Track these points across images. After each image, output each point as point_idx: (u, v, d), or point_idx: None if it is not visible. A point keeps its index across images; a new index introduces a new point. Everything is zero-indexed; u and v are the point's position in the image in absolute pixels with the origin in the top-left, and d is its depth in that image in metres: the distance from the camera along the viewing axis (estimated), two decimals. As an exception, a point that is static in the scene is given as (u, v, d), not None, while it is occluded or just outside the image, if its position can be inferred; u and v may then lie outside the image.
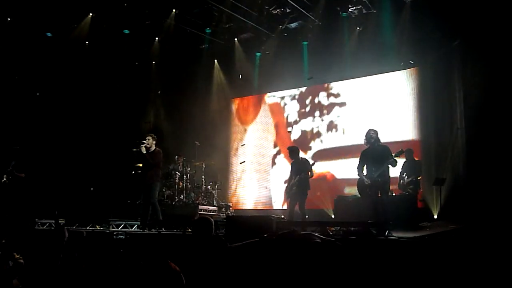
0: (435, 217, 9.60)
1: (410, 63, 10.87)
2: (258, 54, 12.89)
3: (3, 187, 9.69)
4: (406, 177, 9.35)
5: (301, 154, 9.21)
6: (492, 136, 8.88)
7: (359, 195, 7.72)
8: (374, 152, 7.29)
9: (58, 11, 10.82)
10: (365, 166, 7.37)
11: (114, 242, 7.08)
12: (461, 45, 9.83)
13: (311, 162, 8.95)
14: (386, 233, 6.01)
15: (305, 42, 12.06)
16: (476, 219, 7.97)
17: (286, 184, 9.17)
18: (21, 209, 9.39)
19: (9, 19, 11.03)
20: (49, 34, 11.69)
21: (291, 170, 9.00)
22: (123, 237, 7.49)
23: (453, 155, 9.95)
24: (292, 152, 9.01)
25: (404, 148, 7.40)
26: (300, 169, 8.74)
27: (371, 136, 7.39)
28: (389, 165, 7.12)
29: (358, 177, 7.40)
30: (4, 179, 9.68)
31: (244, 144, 10.89)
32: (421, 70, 10.83)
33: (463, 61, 9.89)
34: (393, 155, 7.11)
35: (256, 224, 6.44)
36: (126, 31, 12.10)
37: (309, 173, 8.73)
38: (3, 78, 11.27)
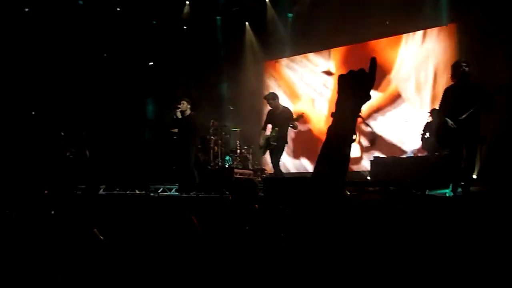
0: (475, 177, 9.41)
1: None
2: (289, 15, 12.65)
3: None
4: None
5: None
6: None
7: (438, 142, 6.78)
8: (463, 90, 5.92)
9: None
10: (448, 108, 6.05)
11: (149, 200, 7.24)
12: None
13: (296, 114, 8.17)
14: (427, 192, 5.95)
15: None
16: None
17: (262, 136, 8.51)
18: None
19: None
20: (80, 2, 11.77)
21: (268, 121, 8.43)
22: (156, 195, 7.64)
23: (494, 120, 9.61)
24: (270, 99, 8.37)
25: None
26: (281, 120, 8.16)
27: (463, 68, 5.95)
28: (482, 109, 5.87)
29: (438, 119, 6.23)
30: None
31: None
32: (460, 27, 10.41)
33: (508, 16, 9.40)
34: (493, 93, 5.83)
35: (295, 185, 6.45)
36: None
37: (292, 125, 8.10)
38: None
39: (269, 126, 8.54)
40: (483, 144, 8.97)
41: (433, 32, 10.84)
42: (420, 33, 11.02)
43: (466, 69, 5.92)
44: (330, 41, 12.08)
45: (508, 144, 9.14)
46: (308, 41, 12.23)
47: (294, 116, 8.22)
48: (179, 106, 8.72)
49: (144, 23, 12.69)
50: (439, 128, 6.28)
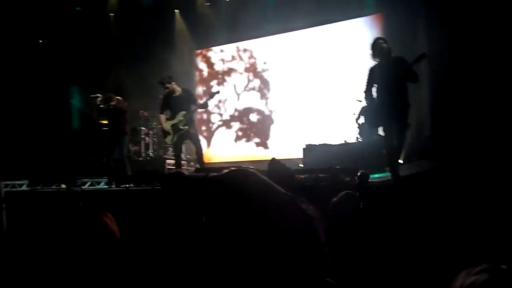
0: (401, 161, 9.73)
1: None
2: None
3: None
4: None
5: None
6: (457, 84, 8.86)
7: (367, 126, 6.78)
8: (386, 66, 5.79)
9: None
10: (374, 88, 5.90)
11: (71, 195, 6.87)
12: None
13: (213, 91, 7.92)
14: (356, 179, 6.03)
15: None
16: (441, 164, 8.03)
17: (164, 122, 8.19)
18: None
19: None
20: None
21: (166, 104, 8.09)
22: (79, 189, 7.31)
23: (417, 103, 9.97)
24: (166, 82, 8.01)
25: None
26: (186, 102, 7.90)
27: (382, 46, 5.79)
28: (409, 81, 5.75)
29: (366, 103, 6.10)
30: None
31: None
32: (386, 17, 10.70)
33: (429, 8, 9.74)
34: (411, 62, 5.58)
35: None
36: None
37: (202, 104, 7.88)
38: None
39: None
40: (408, 130, 9.35)
41: (362, 21, 11.08)
42: (350, 21, 11.22)
43: (385, 45, 5.82)
44: (263, 29, 12.03)
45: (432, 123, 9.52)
46: (240, 29, 12.14)
47: (206, 96, 8.09)
48: (99, 95, 8.40)
49: (67, 9, 12.07)
50: (367, 109, 6.32)
